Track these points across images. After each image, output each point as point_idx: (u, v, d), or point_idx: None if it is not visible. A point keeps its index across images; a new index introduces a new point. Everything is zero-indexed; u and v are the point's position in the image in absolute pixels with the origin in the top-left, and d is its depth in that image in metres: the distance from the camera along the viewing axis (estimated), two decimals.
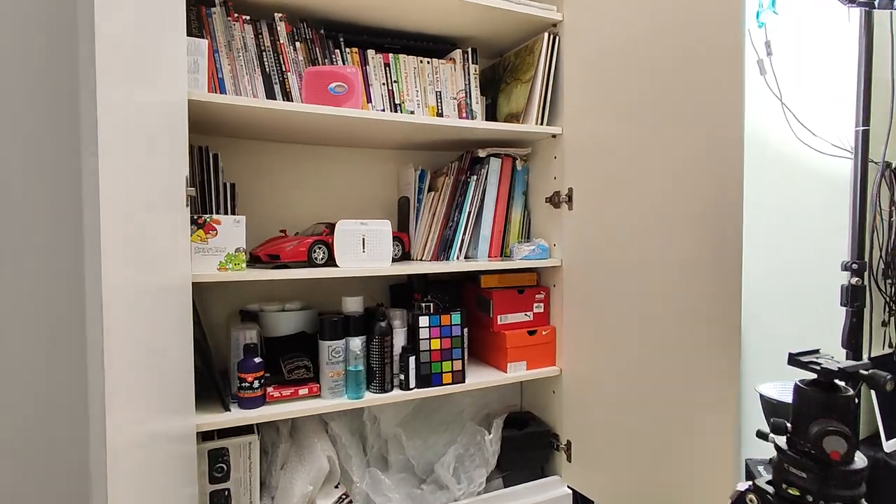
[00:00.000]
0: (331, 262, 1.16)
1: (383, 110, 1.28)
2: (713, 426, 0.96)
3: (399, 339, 1.23)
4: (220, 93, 1.10)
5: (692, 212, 0.99)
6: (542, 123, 1.33)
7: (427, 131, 1.29)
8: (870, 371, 0.48)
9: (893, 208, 1.64)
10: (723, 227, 0.94)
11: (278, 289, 1.37)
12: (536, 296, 1.39)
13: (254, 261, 1.16)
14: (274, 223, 1.36)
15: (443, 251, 1.36)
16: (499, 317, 1.35)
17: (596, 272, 1.24)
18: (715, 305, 0.95)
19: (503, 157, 1.41)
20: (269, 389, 1.11)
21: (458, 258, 1.38)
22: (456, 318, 1.26)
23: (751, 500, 0.52)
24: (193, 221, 1.00)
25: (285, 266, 1.12)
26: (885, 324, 1.68)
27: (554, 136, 1.37)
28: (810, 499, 0.48)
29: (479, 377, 1.30)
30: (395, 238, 1.31)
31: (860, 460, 0.49)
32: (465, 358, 1.27)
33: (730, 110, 0.92)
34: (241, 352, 1.10)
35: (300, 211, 1.41)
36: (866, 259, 1.55)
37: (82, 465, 0.46)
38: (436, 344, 1.24)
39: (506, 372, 1.33)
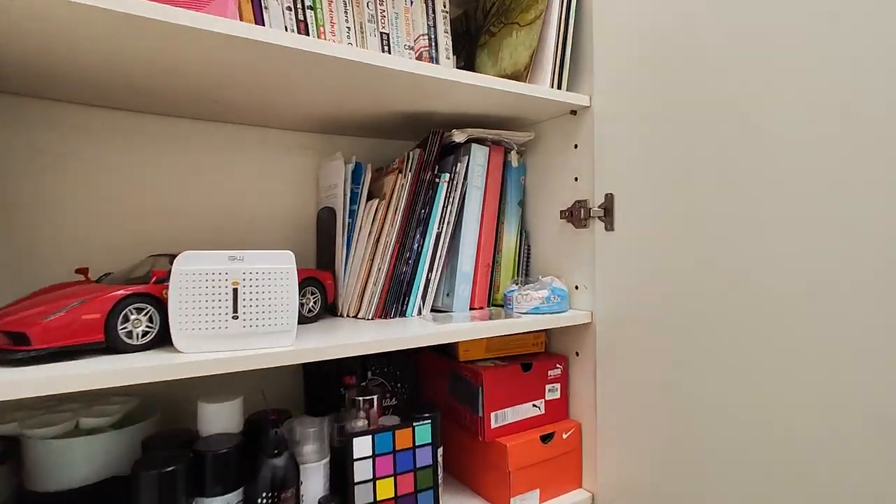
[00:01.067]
0: (161, 341, 0.55)
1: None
2: None
3: (314, 486, 0.63)
4: None
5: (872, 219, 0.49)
6: (558, 87, 0.80)
7: (366, 87, 0.73)
8: None
9: None
10: None
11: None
12: (550, 372, 0.85)
13: None
14: (67, 256, 0.72)
15: (394, 302, 0.79)
16: (493, 415, 0.78)
17: (658, 330, 0.71)
18: None
19: (491, 145, 0.87)
20: None
21: (419, 311, 0.81)
22: (424, 433, 0.68)
23: None
24: None
25: (44, 358, 0.50)
26: None
27: (574, 111, 0.84)
28: None
29: None
30: (307, 282, 0.72)
31: None
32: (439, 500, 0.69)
33: None
34: None
35: (126, 233, 0.78)
36: None
37: None
38: (387, 489, 0.65)
39: None
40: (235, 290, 0.55)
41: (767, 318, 0.59)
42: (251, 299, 0.56)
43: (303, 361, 0.57)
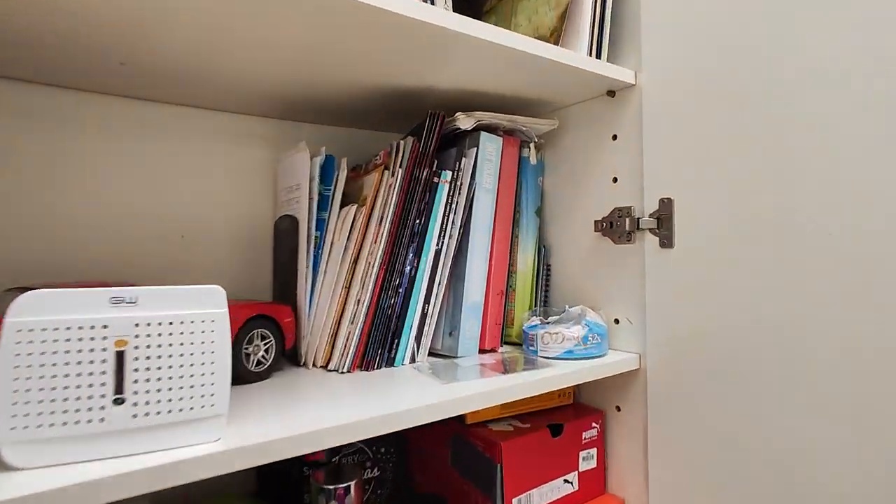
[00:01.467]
0: None
1: None
2: None
3: None
4: None
5: None
6: (598, 56, 0.61)
7: (337, 44, 0.51)
8: None
9: None
10: None
11: None
12: (585, 434, 0.64)
13: None
14: None
15: (379, 347, 0.57)
16: (516, 501, 0.57)
17: (735, 378, 0.52)
18: None
19: (503, 135, 0.67)
20: None
21: (412, 358, 0.59)
22: None
23: None
24: None
25: None
26: None
27: (611, 92, 0.65)
28: None
29: None
30: (255, 322, 0.50)
31: None
32: None
33: None
34: None
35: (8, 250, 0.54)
36: None
37: None
38: None
39: None
40: (121, 355, 0.33)
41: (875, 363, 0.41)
42: (149, 368, 0.33)
43: (239, 468, 0.34)
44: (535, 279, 0.71)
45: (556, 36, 0.62)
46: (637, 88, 0.62)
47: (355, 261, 0.58)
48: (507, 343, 0.70)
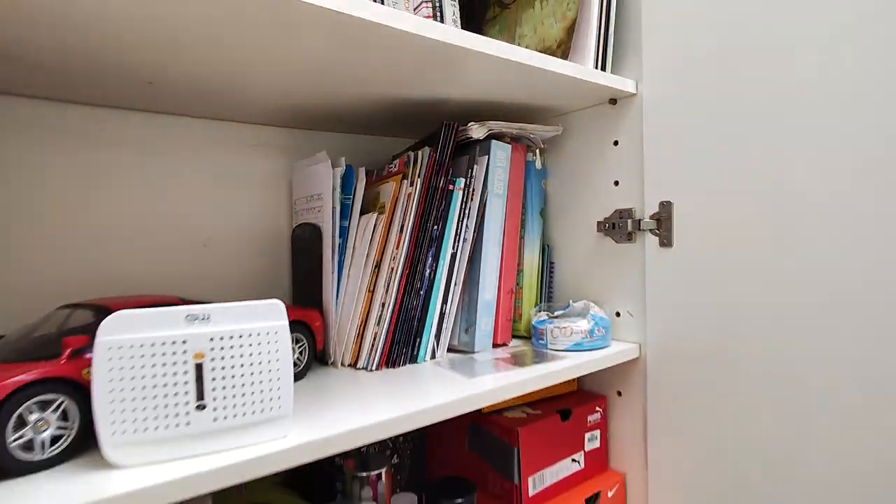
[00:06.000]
0: (87, 445, 0.36)
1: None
2: None
3: None
4: None
5: None
6: (602, 68, 0.65)
7: (355, 60, 0.55)
8: None
9: None
10: None
11: None
12: (589, 418, 0.70)
13: None
14: None
15: (404, 345, 0.61)
16: (531, 480, 0.63)
17: (725, 365, 0.58)
18: None
19: (511, 142, 0.71)
20: None
21: (432, 354, 0.64)
22: None
23: None
24: None
25: None
26: None
27: (613, 100, 0.70)
28: None
29: None
30: (291, 327, 0.54)
31: None
32: None
33: None
34: None
35: (24, 269, 0.57)
36: None
37: None
38: None
39: None
40: (199, 367, 0.37)
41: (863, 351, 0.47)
42: (224, 377, 0.37)
43: (304, 462, 0.39)
44: (540, 276, 0.76)
45: (563, 49, 0.66)
46: (638, 97, 0.67)
47: (377, 265, 0.62)
48: (515, 337, 0.75)
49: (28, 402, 0.34)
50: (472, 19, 0.83)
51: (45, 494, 0.32)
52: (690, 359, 0.62)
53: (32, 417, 0.35)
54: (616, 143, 0.70)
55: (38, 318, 0.49)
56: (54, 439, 0.36)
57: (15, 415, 0.34)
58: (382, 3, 0.60)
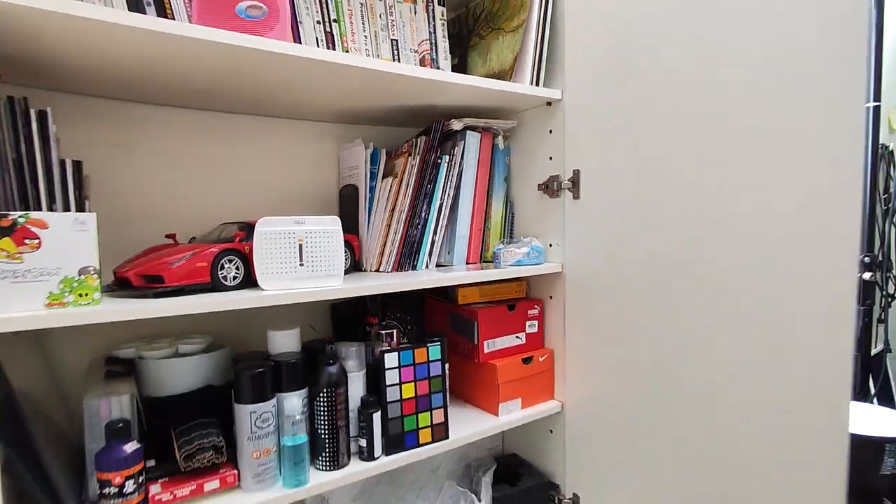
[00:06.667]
0: (248, 282, 0.76)
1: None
2: (816, 491, 0.70)
3: (356, 388, 0.86)
4: None
5: (775, 192, 0.72)
6: (537, 84, 1.01)
7: (380, 88, 0.92)
8: None
9: (888, 194, 1.50)
10: (842, 212, 0.67)
11: (168, 320, 0.94)
12: (529, 311, 1.08)
13: (121, 285, 0.73)
14: (155, 225, 0.92)
15: (407, 258, 1.00)
16: (486, 343, 1.01)
17: (613, 278, 0.94)
18: (818, 317, 0.68)
19: (481, 132, 1.08)
20: (155, 490, 0.70)
21: (427, 265, 1.02)
22: (435, 351, 0.91)
23: None
24: None
25: (174, 293, 0.71)
26: (881, 321, 1.55)
27: (549, 103, 1.05)
28: None
29: (465, 427, 0.96)
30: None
31: None
32: (447, 404, 0.92)
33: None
34: (103, 436, 0.67)
35: (195, 207, 0.98)
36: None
37: None
38: (409, 390, 0.88)
39: (497, 415, 1.01)
40: (301, 245, 0.76)
41: (665, 270, 0.82)
42: (312, 250, 0.77)
43: (350, 296, 0.78)
44: (503, 221, 1.13)
45: (513, 70, 1.02)
46: (563, 101, 1.02)
47: (392, 210, 1.00)
48: (484, 261, 1.13)
49: (222, 259, 0.75)
50: (460, 45, 1.19)
51: (235, 296, 0.72)
52: (593, 274, 0.98)
53: (226, 266, 0.75)
54: (551, 131, 1.06)
55: (212, 228, 0.90)
56: (235, 277, 0.76)
57: (218, 264, 0.74)
58: (398, 57, 0.97)
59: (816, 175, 0.67)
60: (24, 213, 0.58)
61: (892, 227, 1.50)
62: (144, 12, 0.68)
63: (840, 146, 0.65)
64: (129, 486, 0.66)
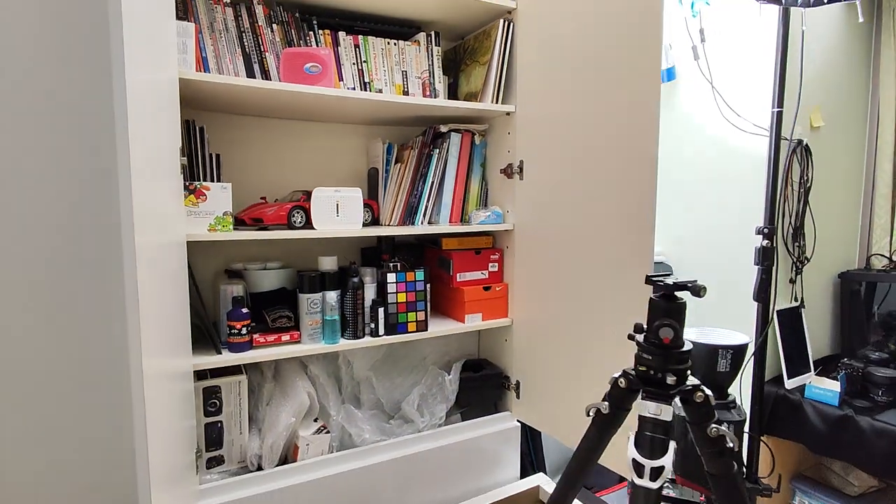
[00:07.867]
0: (308, 225, 1.31)
1: (354, 88, 1.42)
2: None
3: (370, 293, 1.40)
4: (204, 71, 1.21)
5: (618, 180, 1.18)
6: (497, 102, 1.49)
7: (394, 108, 1.44)
8: (691, 284, 0.68)
9: (803, 180, 1.89)
10: (640, 194, 1.13)
11: (260, 250, 1.51)
12: (491, 256, 1.58)
13: (239, 224, 1.30)
14: (255, 191, 1.49)
15: (408, 217, 1.52)
16: (458, 275, 1.53)
17: (542, 235, 1.42)
18: (635, 257, 1.15)
19: (463, 133, 1.57)
20: (256, 336, 1.27)
21: (422, 223, 1.54)
22: (420, 275, 1.43)
23: (619, 382, 0.71)
24: (185, 188, 1.13)
25: (267, 228, 1.27)
26: (792, 281, 1.95)
27: (508, 113, 1.53)
28: (653, 372, 0.68)
29: (441, 327, 1.49)
30: (365, 205, 1.47)
31: (686, 344, 0.70)
32: (428, 310, 1.45)
33: (648, 89, 1.10)
34: (230, 303, 1.25)
35: (279, 180, 1.54)
36: (777, 225, 1.80)
37: (125, 394, 0.62)
38: (402, 297, 1.41)
39: (464, 322, 1.52)
40: (337, 204, 1.30)
41: (570, 229, 1.30)
42: (343, 208, 1.31)
43: (365, 235, 1.32)
44: (479, 195, 1.63)
45: (482, 91, 1.51)
46: (516, 112, 1.50)
47: (399, 186, 1.52)
48: (463, 222, 1.63)
49: (293, 211, 1.30)
50: (455, 68, 1.68)
51: (300, 233, 1.27)
52: (532, 231, 1.47)
53: (296, 215, 1.30)
54: (509, 133, 1.54)
55: (286, 193, 1.46)
56: (300, 221, 1.31)
57: (292, 213, 1.29)
58: (407, 83, 1.49)
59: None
60: (198, 182, 1.15)
61: (808, 207, 1.89)
62: (255, 76, 1.23)
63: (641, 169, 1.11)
64: (244, 330, 1.24)
